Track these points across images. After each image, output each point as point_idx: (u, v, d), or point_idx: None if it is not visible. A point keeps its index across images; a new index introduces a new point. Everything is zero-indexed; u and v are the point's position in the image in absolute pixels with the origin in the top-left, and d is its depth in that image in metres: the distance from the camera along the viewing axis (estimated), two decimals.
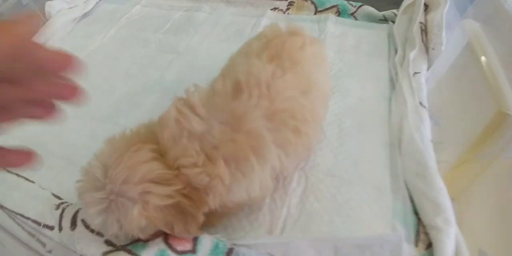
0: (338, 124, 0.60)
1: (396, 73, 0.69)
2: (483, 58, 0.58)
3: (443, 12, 0.71)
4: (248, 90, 0.39)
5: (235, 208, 0.45)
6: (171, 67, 0.72)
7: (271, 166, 0.40)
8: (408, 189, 0.52)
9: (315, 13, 0.84)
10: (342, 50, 0.74)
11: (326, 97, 0.54)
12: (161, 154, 0.38)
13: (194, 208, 0.37)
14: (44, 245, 0.49)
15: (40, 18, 0.87)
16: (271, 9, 0.86)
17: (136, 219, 0.35)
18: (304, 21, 0.82)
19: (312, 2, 0.83)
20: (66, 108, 0.29)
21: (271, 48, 0.46)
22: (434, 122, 0.65)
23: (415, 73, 0.68)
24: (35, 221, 0.50)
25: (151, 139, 0.39)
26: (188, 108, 0.38)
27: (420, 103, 0.63)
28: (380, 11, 0.83)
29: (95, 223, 0.37)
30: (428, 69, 0.71)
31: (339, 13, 0.83)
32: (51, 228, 0.48)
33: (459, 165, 0.57)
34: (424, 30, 0.76)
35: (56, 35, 0.86)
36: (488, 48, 0.59)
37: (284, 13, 0.85)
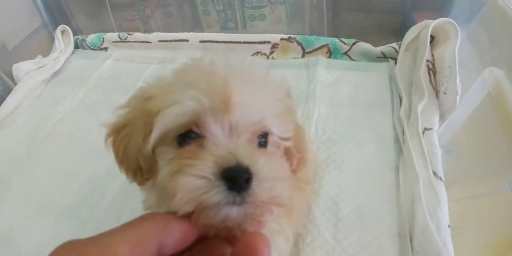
0: (334, 211, 0.49)
1: (403, 131, 0.57)
2: None
3: (455, 50, 0.59)
4: None
5: None
6: None
7: None
8: None
9: (302, 55, 0.73)
10: (336, 104, 0.62)
11: None
12: None
13: None
14: None
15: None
16: (253, 54, 0.75)
17: None
18: (290, 66, 0.71)
19: (299, 43, 0.72)
20: None
21: None
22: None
23: (426, 129, 0.57)
24: None
25: None
26: None
27: (435, 174, 0.51)
28: (377, 46, 0.71)
29: None
30: (440, 120, 0.59)
31: (330, 54, 0.71)
32: None
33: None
34: (432, 70, 0.64)
35: (25, 101, 0.79)
36: None
37: (268, 57, 0.75)
